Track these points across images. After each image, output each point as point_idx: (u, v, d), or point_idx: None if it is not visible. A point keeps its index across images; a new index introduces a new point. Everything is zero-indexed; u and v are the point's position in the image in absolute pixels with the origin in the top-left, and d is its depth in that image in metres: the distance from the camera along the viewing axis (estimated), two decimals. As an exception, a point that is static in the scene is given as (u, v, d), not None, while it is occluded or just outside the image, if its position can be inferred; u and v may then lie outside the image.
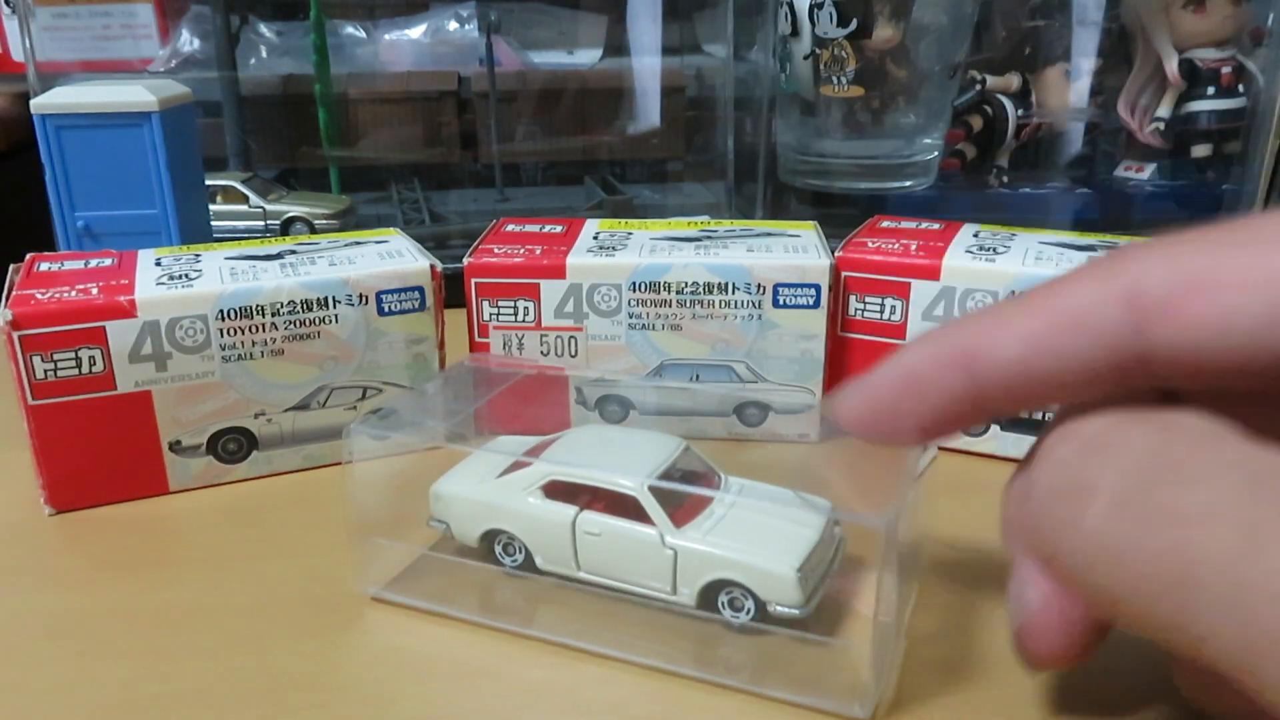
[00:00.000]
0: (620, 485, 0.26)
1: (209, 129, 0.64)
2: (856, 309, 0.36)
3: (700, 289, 0.35)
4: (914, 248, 0.35)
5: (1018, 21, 0.65)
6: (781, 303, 0.35)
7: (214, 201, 0.58)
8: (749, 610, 0.25)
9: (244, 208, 0.59)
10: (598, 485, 0.26)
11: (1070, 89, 0.64)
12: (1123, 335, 0.18)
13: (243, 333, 0.33)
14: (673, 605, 0.26)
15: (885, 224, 0.39)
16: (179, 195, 0.43)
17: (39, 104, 0.41)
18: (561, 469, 0.27)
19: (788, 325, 0.35)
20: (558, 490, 0.27)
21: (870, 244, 0.36)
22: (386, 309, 0.34)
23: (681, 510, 0.26)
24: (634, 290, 0.35)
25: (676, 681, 0.25)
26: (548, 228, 0.39)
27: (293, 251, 0.36)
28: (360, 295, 0.34)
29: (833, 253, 0.36)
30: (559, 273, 0.35)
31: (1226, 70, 0.58)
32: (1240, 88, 0.58)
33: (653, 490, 0.26)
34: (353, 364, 0.34)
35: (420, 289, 0.34)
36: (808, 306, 0.35)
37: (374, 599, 0.28)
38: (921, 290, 0.34)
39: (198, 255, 0.35)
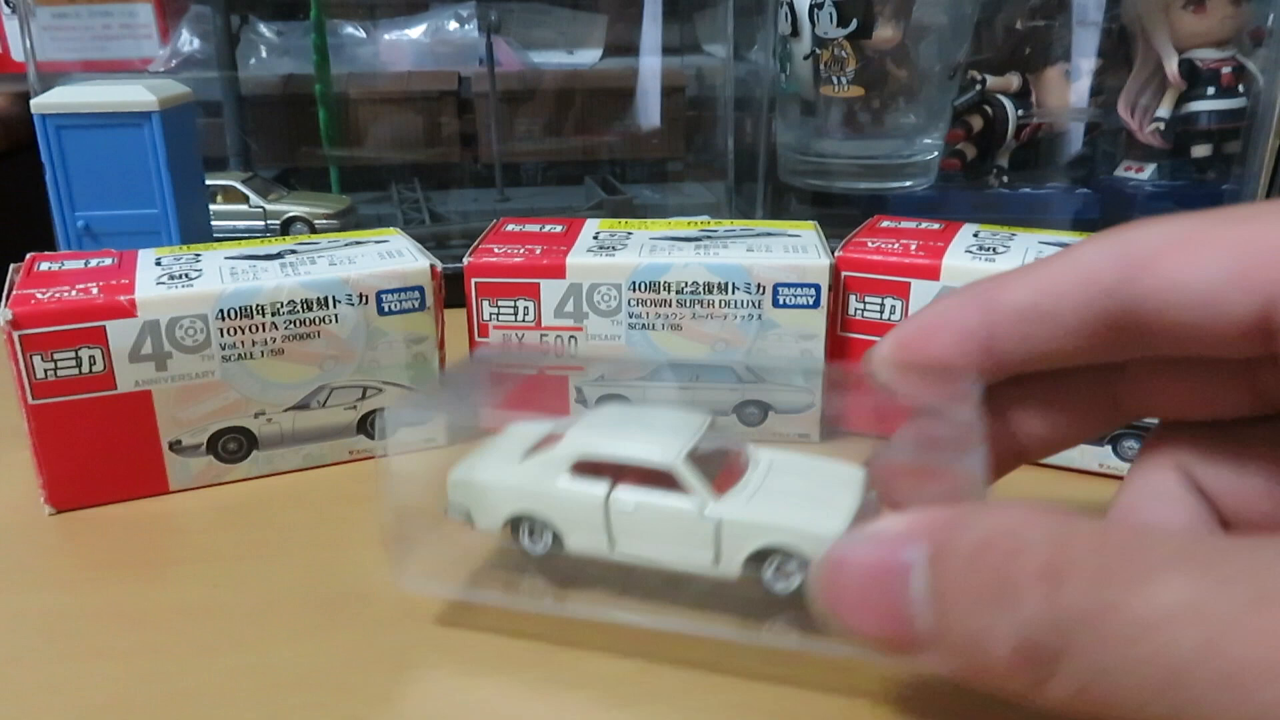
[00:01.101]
0: (655, 460, 0.25)
1: (209, 129, 0.64)
2: (856, 309, 0.36)
3: (700, 289, 0.35)
4: (914, 248, 0.35)
5: (1018, 21, 0.65)
6: (781, 302, 0.35)
7: (214, 201, 0.58)
8: (796, 575, 0.24)
9: (244, 208, 0.59)
10: (630, 462, 0.25)
11: (1070, 89, 0.64)
12: (1114, 284, 0.20)
13: (243, 332, 0.33)
14: (715, 577, 0.25)
15: (885, 224, 0.39)
16: (179, 195, 0.43)
17: (39, 104, 0.41)
18: (591, 445, 0.26)
19: (787, 325, 0.35)
20: (587, 469, 0.26)
21: (870, 244, 0.36)
22: (386, 309, 0.34)
23: (717, 481, 0.25)
24: (634, 290, 0.35)
25: (724, 650, 0.25)
26: (548, 227, 0.39)
27: (293, 251, 0.36)
28: (360, 295, 0.34)
29: (833, 253, 0.36)
30: (559, 272, 0.35)
31: (1226, 70, 0.58)
32: (1240, 88, 0.58)
33: (688, 461, 0.25)
34: (353, 364, 0.34)
35: (420, 289, 0.34)
36: (807, 306, 0.35)
37: (408, 593, 0.27)
38: (921, 290, 0.34)
39: (198, 255, 0.35)
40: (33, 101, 0.41)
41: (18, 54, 0.63)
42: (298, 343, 0.33)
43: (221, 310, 0.32)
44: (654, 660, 0.25)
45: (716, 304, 0.35)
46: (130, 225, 0.43)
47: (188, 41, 0.63)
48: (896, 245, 0.36)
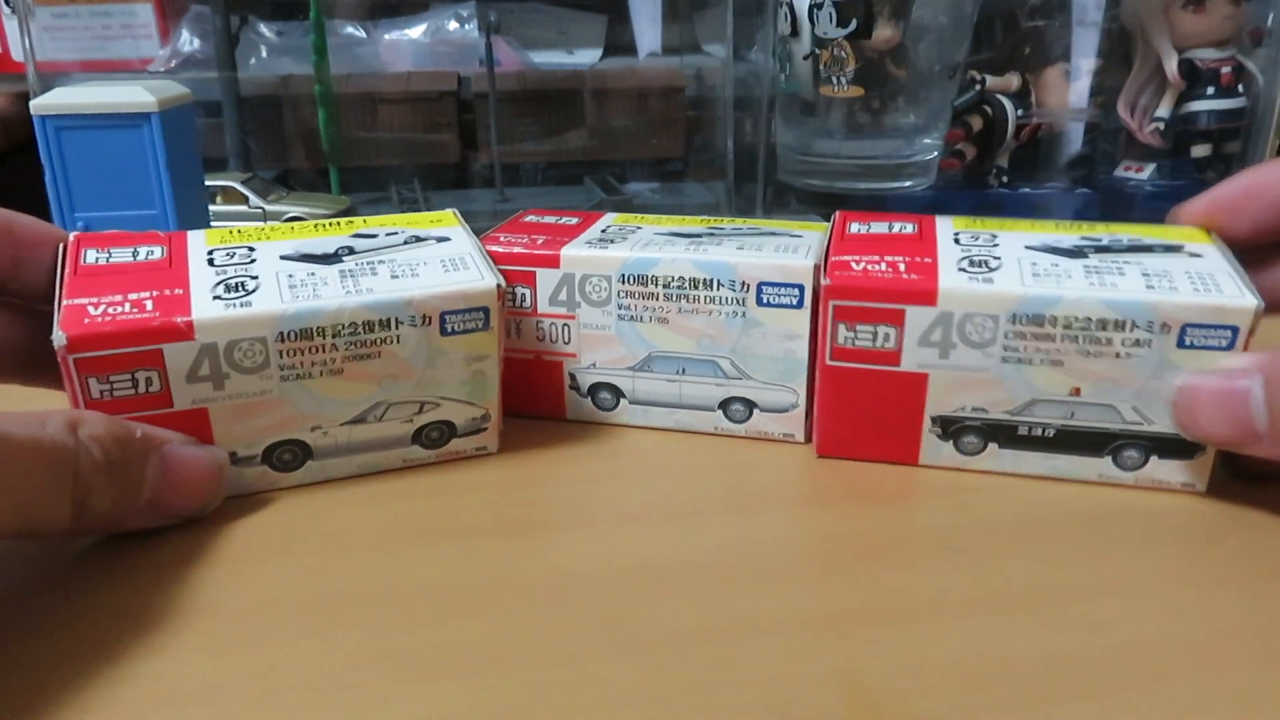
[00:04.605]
0: None
1: (209, 129, 0.64)
2: (847, 337, 0.33)
3: (686, 284, 0.35)
4: (903, 267, 0.33)
5: (1018, 21, 0.65)
6: (765, 301, 0.35)
7: (214, 202, 0.58)
8: None
9: (244, 208, 0.59)
10: None
11: (1070, 89, 0.64)
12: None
13: (302, 354, 0.32)
14: None
15: (855, 226, 0.36)
16: (179, 195, 0.43)
17: (39, 104, 0.41)
18: None
19: (771, 324, 0.35)
20: None
21: (855, 265, 0.33)
22: (450, 329, 0.33)
23: None
24: (623, 282, 0.36)
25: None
26: (564, 219, 0.40)
27: (350, 249, 0.34)
28: (424, 317, 0.32)
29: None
30: (554, 262, 0.36)
31: (1226, 70, 0.58)
32: (1240, 88, 0.58)
33: None
34: (411, 381, 0.33)
35: (485, 309, 0.33)
36: (791, 306, 0.35)
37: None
38: (918, 317, 0.32)
39: (251, 248, 0.34)
40: (32, 102, 0.41)
41: (18, 54, 0.63)
42: (357, 363, 0.32)
43: (281, 333, 0.31)
44: (654, 662, 0.25)
45: (702, 300, 0.35)
46: (130, 226, 0.42)
47: (188, 41, 0.63)
48: (883, 266, 0.33)
